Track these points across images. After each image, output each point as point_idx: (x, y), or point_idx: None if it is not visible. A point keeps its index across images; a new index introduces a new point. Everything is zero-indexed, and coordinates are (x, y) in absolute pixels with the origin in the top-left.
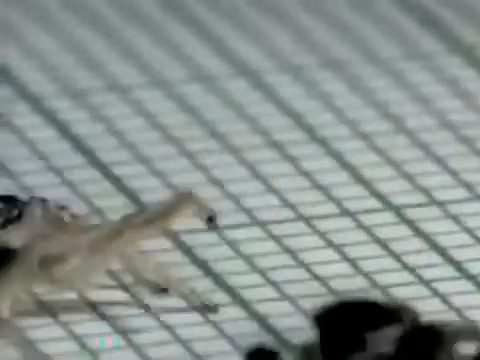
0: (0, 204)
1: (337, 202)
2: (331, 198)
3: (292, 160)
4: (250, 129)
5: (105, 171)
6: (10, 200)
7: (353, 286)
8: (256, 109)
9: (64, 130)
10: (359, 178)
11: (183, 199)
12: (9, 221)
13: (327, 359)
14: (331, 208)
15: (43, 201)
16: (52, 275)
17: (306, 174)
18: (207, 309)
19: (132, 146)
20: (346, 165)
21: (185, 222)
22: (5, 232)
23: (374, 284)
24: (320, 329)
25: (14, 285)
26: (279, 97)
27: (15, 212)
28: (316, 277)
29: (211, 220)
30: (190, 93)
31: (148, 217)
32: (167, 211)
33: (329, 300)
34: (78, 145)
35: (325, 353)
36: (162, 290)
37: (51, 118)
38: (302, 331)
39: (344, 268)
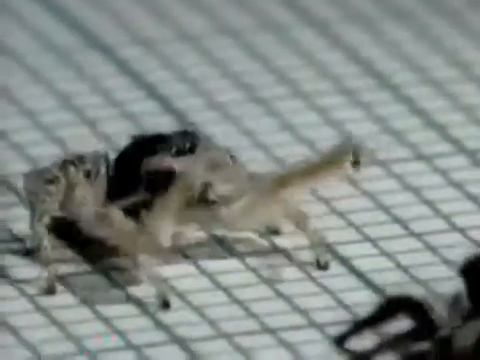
0: (176, 135)
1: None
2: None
3: (365, 106)
4: (318, 75)
5: (180, 118)
6: (186, 134)
7: None
8: (324, 56)
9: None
10: (431, 123)
11: (344, 150)
12: (181, 153)
13: (476, 308)
14: (407, 152)
15: (210, 142)
16: (214, 214)
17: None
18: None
19: (205, 93)
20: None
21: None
22: (176, 160)
23: None
24: (467, 280)
25: (175, 216)
26: (348, 45)
27: (188, 145)
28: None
29: (356, 163)
30: (260, 42)
31: (311, 167)
32: (329, 161)
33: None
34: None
35: (474, 302)
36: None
37: (123, 67)
38: (448, 281)
39: None
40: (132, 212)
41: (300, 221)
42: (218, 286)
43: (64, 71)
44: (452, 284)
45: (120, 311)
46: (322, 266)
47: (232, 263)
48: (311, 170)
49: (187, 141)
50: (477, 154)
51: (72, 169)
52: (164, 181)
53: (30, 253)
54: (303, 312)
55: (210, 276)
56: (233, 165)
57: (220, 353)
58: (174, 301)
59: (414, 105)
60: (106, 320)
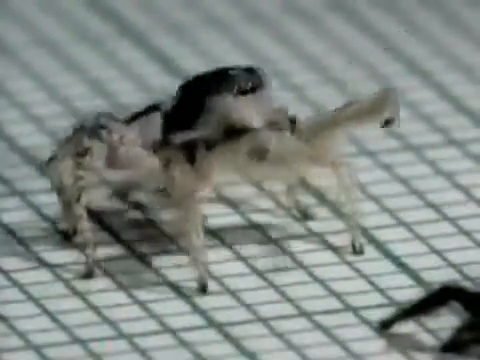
0: (240, 74)
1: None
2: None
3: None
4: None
5: None
6: (251, 72)
7: None
8: (353, 43)
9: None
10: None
11: (386, 96)
12: (243, 91)
13: None
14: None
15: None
16: (264, 166)
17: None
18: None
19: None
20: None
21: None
22: (236, 100)
23: None
24: None
25: (229, 159)
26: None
27: (249, 84)
28: None
29: (388, 122)
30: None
31: (357, 110)
32: (374, 106)
33: None
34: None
35: None
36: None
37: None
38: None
39: None
40: (187, 148)
41: (337, 167)
42: (254, 270)
43: (96, 58)
44: None
45: (156, 295)
46: (357, 251)
47: (267, 248)
48: (351, 115)
49: (250, 81)
50: None
51: (103, 133)
52: (227, 126)
53: (67, 237)
54: (338, 296)
55: (246, 261)
56: (283, 109)
57: (257, 337)
58: (211, 285)
59: (446, 91)
60: (143, 304)
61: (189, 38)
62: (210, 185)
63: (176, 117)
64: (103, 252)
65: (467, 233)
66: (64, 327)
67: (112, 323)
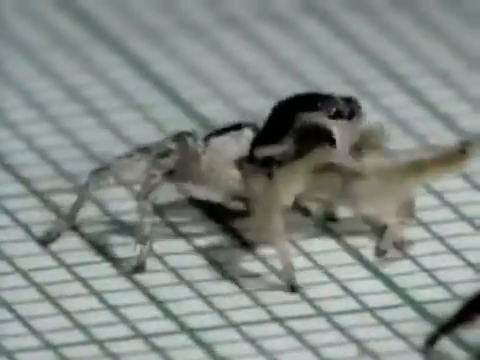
0: (338, 98)
1: None
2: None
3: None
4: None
5: (188, 109)
6: (348, 100)
7: None
8: (372, 45)
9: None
10: None
11: (468, 149)
12: (339, 115)
13: None
14: None
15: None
16: (344, 186)
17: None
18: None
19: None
20: None
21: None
22: (332, 122)
23: None
24: None
25: (300, 178)
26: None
27: (347, 109)
28: None
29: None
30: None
31: (438, 159)
32: (453, 157)
33: None
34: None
35: None
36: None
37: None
38: None
39: None
40: (269, 163)
41: (409, 211)
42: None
43: (72, 64)
44: None
45: (218, 289)
46: (380, 252)
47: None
48: (430, 165)
49: (348, 106)
50: None
51: (190, 140)
52: (314, 139)
53: (44, 243)
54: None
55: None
56: (380, 142)
57: (229, 342)
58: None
59: (420, 95)
60: (205, 298)
61: (164, 42)
62: (288, 199)
63: (266, 133)
64: (163, 247)
65: None
66: (35, 332)
67: (84, 328)
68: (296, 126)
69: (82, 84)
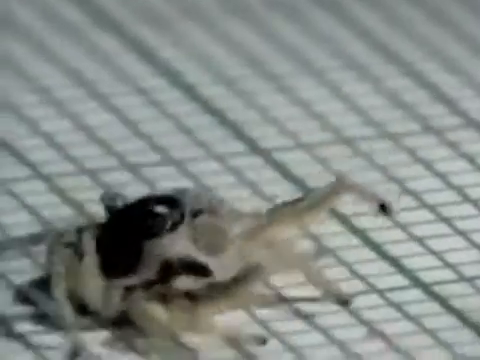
0: (164, 209)
1: None
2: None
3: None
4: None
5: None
6: (171, 202)
7: None
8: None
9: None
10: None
11: (342, 186)
12: (175, 225)
13: None
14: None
15: (198, 196)
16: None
17: None
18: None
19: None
20: None
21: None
22: (169, 238)
23: None
24: None
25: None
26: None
27: (177, 215)
28: None
29: (383, 208)
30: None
31: (308, 203)
32: (327, 197)
33: None
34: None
35: None
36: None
37: (206, 105)
38: None
39: None
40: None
41: (295, 264)
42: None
43: (76, 49)
44: None
45: None
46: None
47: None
48: (301, 210)
49: (176, 213)
50: None
51: (87, 235)
52: (174, 268)
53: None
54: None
55: None
56: (220, 219)
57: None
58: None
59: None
60: None
61: (168, 28)
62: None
63: (110, 256)
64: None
65: None
66: None
67: None
68: (145, 256)
69: (85, 68)
